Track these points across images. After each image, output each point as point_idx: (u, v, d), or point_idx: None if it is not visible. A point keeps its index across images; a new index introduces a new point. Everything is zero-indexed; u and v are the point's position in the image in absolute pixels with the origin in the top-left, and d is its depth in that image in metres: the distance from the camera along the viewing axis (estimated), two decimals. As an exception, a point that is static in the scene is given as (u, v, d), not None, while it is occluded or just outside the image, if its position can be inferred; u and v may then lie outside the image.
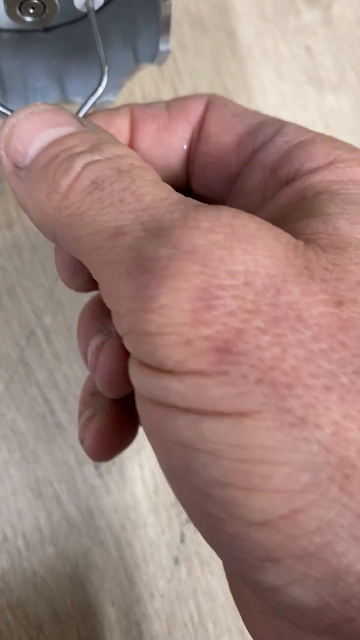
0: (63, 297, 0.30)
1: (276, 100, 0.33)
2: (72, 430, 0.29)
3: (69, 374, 0.30)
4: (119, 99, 0.28)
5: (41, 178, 0.16)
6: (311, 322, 0.13)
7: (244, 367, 0.12)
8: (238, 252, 0.13)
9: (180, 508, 0.29)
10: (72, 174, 0.15)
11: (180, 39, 0.33)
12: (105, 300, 0.15)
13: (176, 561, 0.29)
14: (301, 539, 0.12)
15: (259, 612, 0.15)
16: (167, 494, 0.29)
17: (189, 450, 0.13)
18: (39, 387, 0.29)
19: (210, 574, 0.29)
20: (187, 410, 0.13)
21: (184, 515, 0.29)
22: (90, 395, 0.20)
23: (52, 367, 0.30)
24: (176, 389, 0.13)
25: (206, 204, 0.15)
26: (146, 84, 0.32)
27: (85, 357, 0.20)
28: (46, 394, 0.29)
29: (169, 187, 0.15)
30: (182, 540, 0.29)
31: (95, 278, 0.15)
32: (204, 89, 0.33)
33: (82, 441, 0.19)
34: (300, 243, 0.14)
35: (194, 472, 0.13)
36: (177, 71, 0.33)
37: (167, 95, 0.32)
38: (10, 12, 0.22)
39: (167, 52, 0.23)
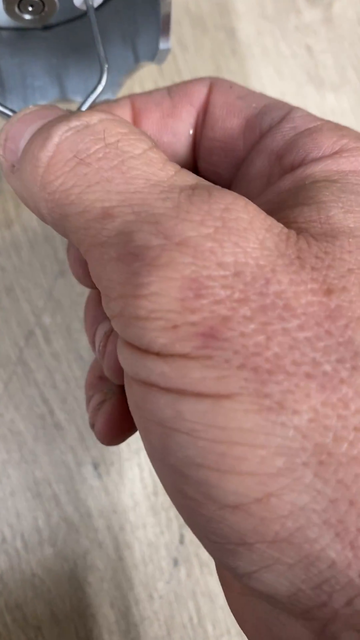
0: (62, 297, 0.30)
1: (276, 100, 0.33)
2: (71, 430, 0.29)
3: (68, 374, 0.29)
4: (117, 97, 0.28)
5: (24, 159, 0.16)
6: (299, 310, 0.13)
7: (227, 353, 0.13)
8: (228, 244, 0.13)
9: (180, 509, 0.29)
10: (50, 144, 0.15)
11: (180, 38, 0.33)
12: (95, 281, 0.15)
13: (175, 562, 0.29)
14: (274, 523, 0.12)
15: (239, 593, 0.15)
16: (166, 495, 0.29)
17: (168, 429, 0.13)
18: (37, 387, 0.29)
19: (209, 575, 0.29)
20: (168, 390, 0.13)
21: (183, 516, 0.29)
22: (98, 379, 0.21)
23: (51, 367, 0.30)
24: (160, 369, 0.13)
25: (199, 190, 0.14)
26: (146, 82, 0.32)
27: (92, 342, 0.20)
28: (45, 394, 0.29)
29: (160, 161, 0.15)
30: (182, 541, 0.29)
31: (84, 257, 0.15)
32: (204, 88, 0.33)
33: (92, 426, 0.20)
34: (292, 233, 0.14)
35: (172, 451, 0.13)
36: (178, 70, 0.33)
37: (167, 94, 0.32)
38: (8, 10, 0.22)
39: (167, 50, 0.23)
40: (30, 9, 0.22)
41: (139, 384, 0.14)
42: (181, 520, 0.29)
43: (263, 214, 0.14)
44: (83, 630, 0.28)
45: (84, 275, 0.20)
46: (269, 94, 0.33)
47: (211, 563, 0.29)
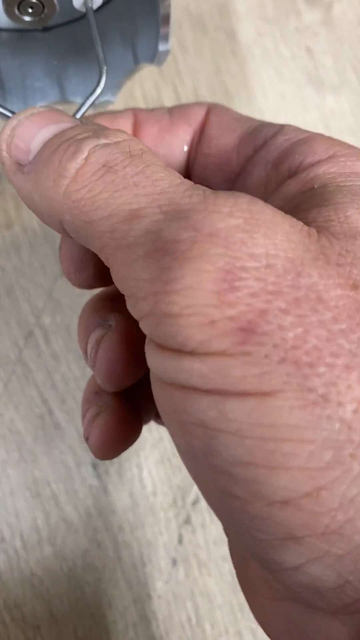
0: (62, 298, 0.30)
1: (276, 101, 0.33)
2: (70, 430, 0.29)
3: (68, 375, 0.30)
4: (118, 99, 0.28)
5: (47, 166, 0.16)
6: (331, 303, 0.13)
7: (267, 347, 0.12)
8: (258, 235, 0.13)
9: (178, 509, 0.29)
10: (80, 157, 0.15)
11: (180, 40, 0.33)
12: (119, 285, 0.15)
13: (174, 562, 0.29)
14: (324, 516, 0.12)
15: (268, 599, 0.15)
16: (165, 495, 0.29)
17: (211, 431, 0.13)
18: (37, 388, 0.29)
19: (207, 575, 0.29)
20: (209, 392, 0.13)
21: (182, 517, 0.29)
22: (94, 394, 0.21)
23: (50, 368, 0.30)
24: (198, 370, 0.13)
25: (221, 191, 0.15)
26: (146, 84, 0.32)
27: (85, 351, 0.20)
28: (44, 394, 0.29)
29: (178, 174, 0.16)
30: (180, 541, 0.29)
31: (106, 264, 0.15)
32: (204, 89, 0.33)
33: (87, 439, 0.20)
34: (313, 230, 0.14)
35: (217, 452, 0.13)
36: (178, 71, 0.33)
37: (167, 95, 0.32)
38: (8, 11, 0.22)
39: (167, 52, 0.23)
40: (30, 10, 0.22)
41: (175, 388, 0.13)
42: (180, 520, 0.29)
43: (282, 212, 0.15)
44: (81, 630, 0.28)
45: (75, 272, 0.20)
46: (268, 95, 0.33)
47: (210, 563, 0.29)
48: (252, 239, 0.13)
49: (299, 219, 0.15)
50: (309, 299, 0.13)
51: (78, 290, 0.30)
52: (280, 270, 0.13)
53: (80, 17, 0.27)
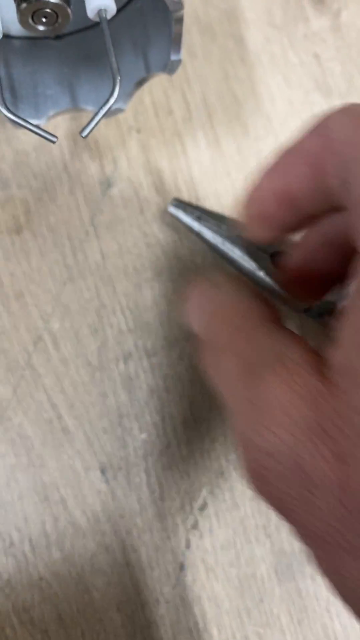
0: (70, 303, 0.30)
1: (284, 108, 0.33)
2: (79, 435, 0.29)
3: (76, 379, 0.30)
4: (127, 106, 0.28)
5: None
6: None
7: None
8: None
9: (186, 515, 0.29)
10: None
11: (189, 46, 0.33)
12: None
13: (182, 567, 0.29)
14: None
15: None
16: (173, 500, 0.29)
17: None
18: (46, 392, 0.30)
19: (215, 580, 0.29)
20: None
21: (190, 522, 0.29)
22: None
23: (59, 373, 0.30)
24: None
25: None
26: (155, 91, 0.32)
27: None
28: (53, 399, 0.29)
29: None
30: (188, 546, 0.29)
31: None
32: (213, 96, 0.33)
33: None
34: None
35: None
36: (186, 78, 0.33)
37: (176, 102, 0.32)
38: (22, 21, 0.22)
39: (179, 61, 0.23)
40: (43, 20, 0.22)
41: None
42: (188, 525, 0.29)
43: None
44: (90, 634, 0.28)
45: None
46: (276, 101, 0.33)
47: (217, 568, 0.29)
48: None
49: None
50: None
51: (87, 296, 0.30)
52: None
53: (92, 25, 0.27)
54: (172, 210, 0.29)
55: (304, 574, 0.29)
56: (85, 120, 0.31)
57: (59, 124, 0.31)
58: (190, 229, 0.30)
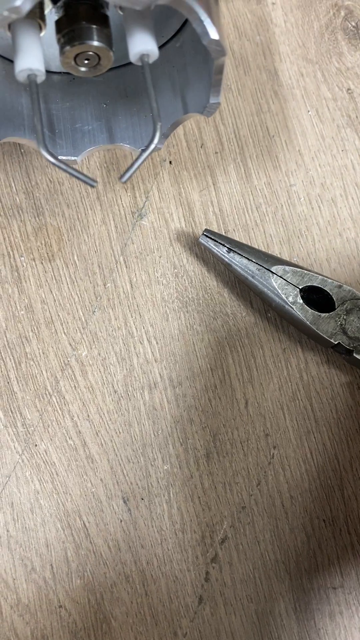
0: (98, 331, 0.31)
1: (316, 142, 0.33)
2: (103, 463, 0.29)
3: (102, 407, 0.30)
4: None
5: None
6: None
7: None
8: None
9: (206, 547, 0.29)
10: None
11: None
12: None
13: (200, 600, 0.29)
14: None
15: None
16: (194, 532, 0.29)
17: None
18: (72, 419, 0.30)
19: (233, 614, 0.29)
20: None
21: (210, 555, 0.29)
22: None
23: (85, 400, 0.30)
24: None
25: None
26: (188, 123, 0.33)
27: None
28: (78, 426, 0.30)
29: None
30: (207, 579, 0.29)
31: None
32: (245, 128, 0.33)
33: None
34: None
35: None
36: (219, 110, 0.33)
37: (208, 134, 0.33)
38: (65, 62, 0.23)
39: (217, 104, 0.24)
40: (86, 62, 0.23)
41: None
42: (208, 558, 0.29)
43: None
44: (107, 663, 0.28)
45: None
46: (308, 136, 0.33)
47: (236, 603, 0.29)
48: None
49: None
50: None
51: (115, 324, 0.31)
52: None
53: (130, 63, 0.27)
54: (203, 241, 0.30)
55: (323, 613, 0.29)
56: (119, 152, 0.32)
57: (93, 154, 0.31)
58: (220, 260, 0.30)
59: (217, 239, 0.30)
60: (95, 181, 0.20)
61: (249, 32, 0.35)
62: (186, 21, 0.25)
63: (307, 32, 0.35)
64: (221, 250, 0.30)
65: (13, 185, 0.32)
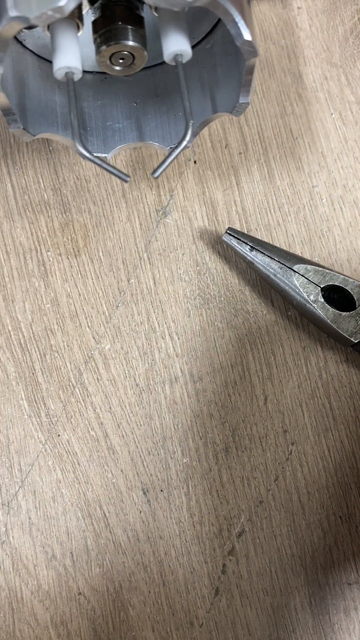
0: (122, 325, 0.31)
1: (338, 144, 0.34)
2: (124, 454, 0.30)
3: (124, 400, 0.31)
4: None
5: None
6: None
7: None
8: None
9: (224, 540, 0.30)
10: None
11: (248, 81, 0.34)
12: None
13: (217, 592, 0.29)
14: None
15: None
16: (212, 525, 0.30)
17: None
18: (94, 411, 0.30)
19: (249, 607, 0.29)
20: None
21: (227, 547, 0.30)
22: None
23: (107, 392, 0.31)
24: None
25: None
26: (213, 124, 0.33)
27: None
28: (101, 418, 0.30)
29: None
30: (224, 571, 0.30)
31: None
32: (269, 130, 0.34)
33: None
34: None
35: None
36: (244, 112, 0.34)
37: (233, 135, 0.33)
38: (101, 62, 0.24)
39: (247, 104, 0.24)
40: (121, 61, 0.24)
41: None
42: (225, 550, 0.30)
43: None
44: (124, 651, 0.29)
45: None
46: (331, 138, 0.34)
47: (252, 595, 0.30)
48: None
49: None
50: None
51: (138, 319, 0.31)
52: None
53: (161, 62, 0.28)
54: (226, 239, 0.30)
55: (338, 608, 0.30)
56: (145, 151, 0.33)
57: (119, 152, 0.32)
58: (242, 258, 0.31)
59: (240, 237, 0.30)
60: (128, 176, 0.21)
61: (274, 36, 0.35)
62: (217, 24, 0.26)
63: (332, 36, 0.35)
64: (244, 249, 0.30)
65: (41, 181, 0.32)
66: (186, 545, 0.30)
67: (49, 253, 0.32)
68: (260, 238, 0.32)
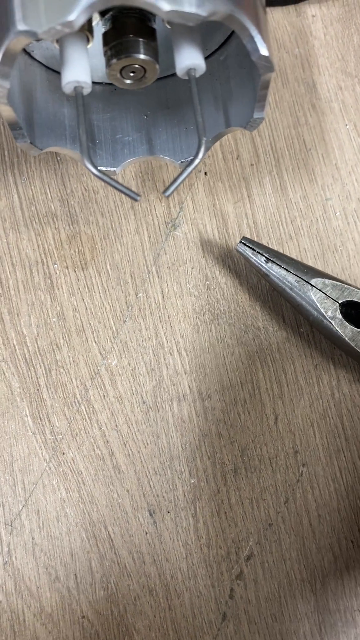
0: (129, 340, 0.31)
1: (353, 156, 0.33)
2: (130, 474, 0.29)
3: (130, 418, 0.30)
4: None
5: None
6: None
7: None
8: None
9: (232, 563, 0.29)
10: None
11: (260, 90, 0.33)
12: None
13: (224, 617, 0.29)
14: None
15: None
16: (219, 548, 0.29)
17: None
18: (100, 428, 0.30)
19: (257, 633, 0.29)
20: None
21: (235, 571, 0.29)
22: None
23: (114, 409, 0.30)
24: None
25: None
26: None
27: None
28: (106, 436, 0.30)
29: None
30: (232, 596, 0.29)
31: None
32: (282, 140, 0.33)
33: None
34: None
35: None
36: (256, 122, 0.33)
37: (244, 146, 0.33)
38: (111, 75, 0.23)
39: (261, 119, 0.23)
40: (131, 74, 0.23)
41: None
42: (233, 575, 0.29)
43: None
44: None
45: None
46: (345, 149, 0.33)
47: (260, 621, 0.29)
48: None
49: None
50: None
51: (145, 334, 0.31)
52: None
53: (172, 74, 0.27)
54: (241, 249, 0.29)
55: (349, 636, 0.29)
56: (154, 162, 0.32)
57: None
58: (257, 270, 0.29)
59: (255, 248, 0.29)
60: (139, 195, 0.20)
61: (287, 44, 0.34)
62: (230, 35, 0.25)
63: (347, 45, 0.34)
64: (259, 260, 0.29)
65: (48, 192, 0.32)
66: (193, 569, 0.29)
67: (56, 266, 0.31)
68: (272, 252, 0.31)
